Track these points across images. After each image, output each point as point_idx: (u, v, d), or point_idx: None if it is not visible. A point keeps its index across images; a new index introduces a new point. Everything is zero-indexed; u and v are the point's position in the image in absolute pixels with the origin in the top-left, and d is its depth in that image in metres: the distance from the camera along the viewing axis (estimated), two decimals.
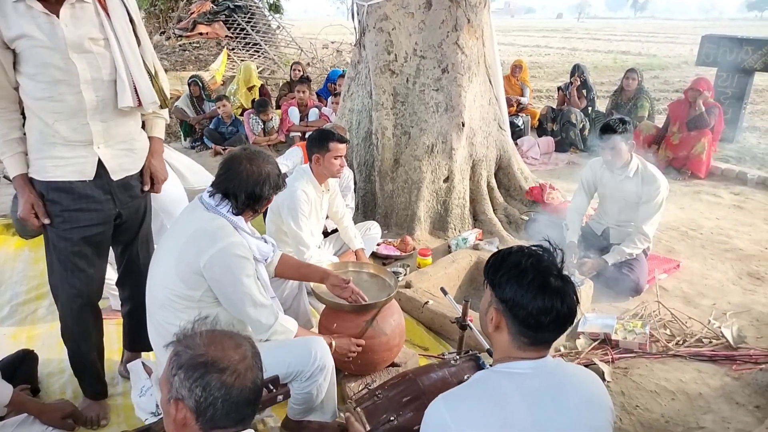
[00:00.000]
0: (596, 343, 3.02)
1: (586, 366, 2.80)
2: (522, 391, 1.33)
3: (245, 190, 2.03)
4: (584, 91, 7.46)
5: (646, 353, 2.93)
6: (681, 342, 3.02)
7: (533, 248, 1.46)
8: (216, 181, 2.08)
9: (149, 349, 2.56)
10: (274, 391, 1.79)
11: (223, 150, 7.23)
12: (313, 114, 7.28)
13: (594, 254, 3.68)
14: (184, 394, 1.22)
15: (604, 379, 2.71)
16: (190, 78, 8.02)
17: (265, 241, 2.27)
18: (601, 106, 7.79)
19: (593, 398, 1.42)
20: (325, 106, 7.69)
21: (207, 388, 1.20)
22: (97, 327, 2.34)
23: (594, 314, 3.27)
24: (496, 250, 4.04)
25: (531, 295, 1.36)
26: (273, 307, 2.12)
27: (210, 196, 2.07)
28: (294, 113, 7.28)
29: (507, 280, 1.39)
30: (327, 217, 3.60)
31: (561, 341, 3.07)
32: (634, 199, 3.63)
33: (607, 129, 3.56)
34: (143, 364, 2.33)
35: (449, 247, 4.19)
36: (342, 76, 7.66)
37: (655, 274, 3.67)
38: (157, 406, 2.16)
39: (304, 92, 7.30)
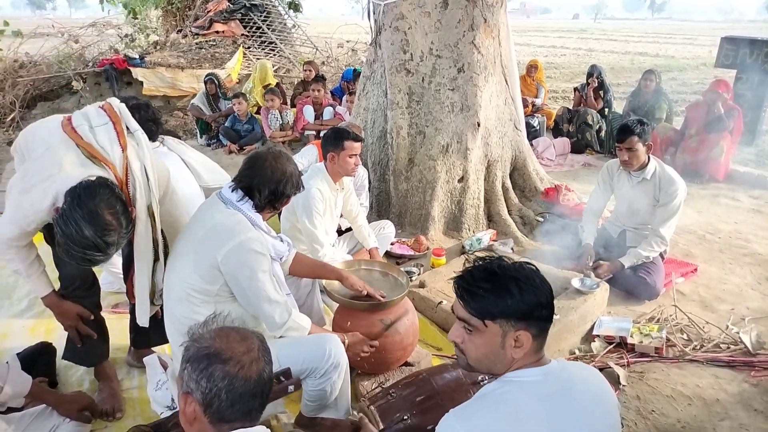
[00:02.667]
0: (611, 346, 2.99)
1: (600, 369, 2.79)
2: (537, 400, 1.32)
3: (268, 186, 2.08)
4: (601, 93, 7.40)
5: (662, 357, 2.90)
6: (698, 347, 2.98)
7: (477, 264, 1.44)
8: (239, 177, 2.12)
9: (151, 345, 2.60)
10: (284, 381, 1.79)
11: (238, 149, 7.29)
12: (327, 113, 7.30)
13: (610, 257, 3.65)
14: (192, 386, 1.24)
15: (619, 383, 2.69)
16: (206, 76, 8.07)
17: (281, 240, 2.29)
18: (618, 107, 7.72)
19: (601, 395, 1.41)
20: (340, 104, 7.71)
21: (211, 378, 1.22)
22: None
23: (609, 317, 3.24)
24: (510, 251, 4.04)
25: (530, 295, 1.36)
26: (287, 304, 2.13)
27: (232, 191, 2.10)
28: (309, 112, 7.30)
29: (512, 299, 1.35)
30: (341, 215, 3.60)
31: (576, 344, 3.05)
32: (652, 201, 3.58)
33: (625, 130, 3.52)
34: (159, 358, 2.35)
35: (463, 247, 4.18)
36: (358, 75, 7.67)
37: (672, 278, 3.62)
38: (172, 399, 2.17)
39: (319, 91, 7.32)
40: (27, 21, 17.48)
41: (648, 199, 3.59)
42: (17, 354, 2.41)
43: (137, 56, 9.45)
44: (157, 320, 2.39)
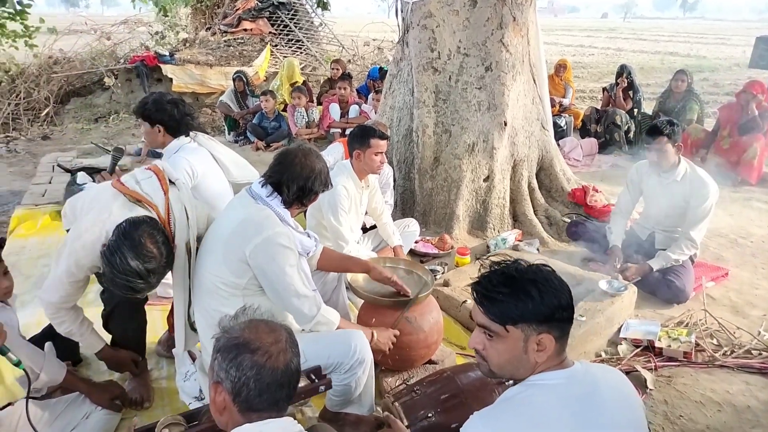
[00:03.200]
0: (638, 349, 2.95)
1: (627, 373, 2.75)
2: (561, 403, 1.31)
3: (297, 182, 2.11)
4: (630, 93, 7.28)
5: (691, 362, 2.85)
6: (728, 352, 2.92)
7: (493, 269, 1.43)
8: (269, 172, 2.15)
9: None
10: (316, 381, 1.81)
11: (265, 146, 7.36)
12: (353, 111, 7.32)
13: (638, 259, 3.60)
14: (222, 376, 1.28)
15: (646, 387, 2.66)
16: (234, 73, 8.16)
17: (308, 236, 2.31)
18: (648, 108, 7.59)
19: (626, 397, 1.40)
20: (366, 102, 7.73)
21: (240, 367, 1.25)
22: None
23: (637, 320, 3.19)
24: (536, 251, 4.01)
25: (550, 297, 1.35)
26: (316, 298, 2.15)
27: (261, 186, 2.13)
28: (335, 110, 7.34)
29: (533, 302, 1.34)
30: (366, 213, 3.61)
31: (602, 346, 3.02)
32: (682, 203, 3.52)
33: (654, 130, 3.47)
34: (188, 350, 2.39)
35: (488, 247, 4.16)
36: (384, 73, 7.68)
37: (702, 282, 3.55)
38: (200, 390, 2.21)
39: (345, 89, 7.35)
40: (61, 18, 17.86)
41: (678, 201, 3.53)
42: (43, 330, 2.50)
43: (167, 53, 9.61)
44: None
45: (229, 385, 1.27)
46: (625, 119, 7.09)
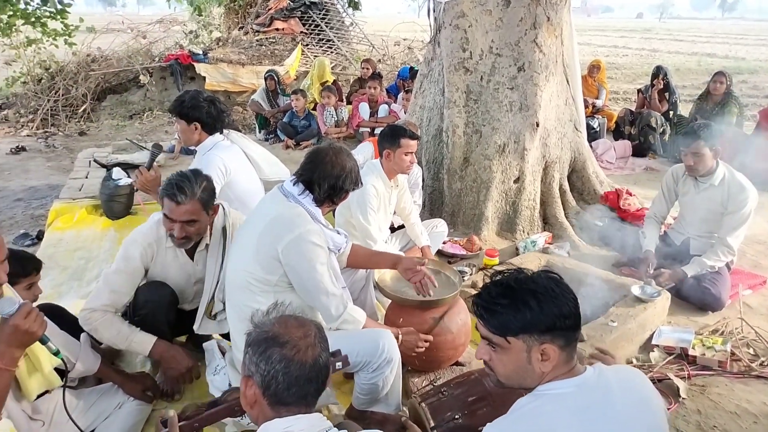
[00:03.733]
0: (671, 357, 2.88)
1: (659, 380, 2.70)
2: (571, 413, 1.29)
3: (328, 181, 2.12)
4: (666, 95, 7.12)
5: (726, 372, 2.77)
6: (766, 362, 2.83)
7: (493, 280, 1.43)
8: (300, 170, 2.17)
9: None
10: (332, 359, 1.81)
11: (295, 144, 7.42)
12: (382, 110, 7.33)
13: (672, 265, 3.52)
14: (252, 370, 1.30)
15: (678, 395, 2.59)
16: (266, 72, 8.26)
17: (338, 233, 2.33)
18: (684, 110, 7.41)
19: (642, 400, 1.37)
20: (395, 102, 7.73)
21: (269, 361, 1.27)
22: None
23: (670, 327, 3.12)
24: (567, 255, 3.95)
25: (550, 307, 1.33)
26: (343, 297, 2.16)
27: (293, 184, 2.16)
28: (364, 109, 7.36)
29: (532, 312, 1.33)
30: (394, 212, 3.61)
31: (634, 353, 2.96)
32: (719, 208, 3.43)
33: (691, 134, 3.39)
34: (218, 344, 2.43)
35: (517, 249, 4.12)
36: (414, 73, 7.67)
37: (739, 290, 3.45)
38: (229, 384, 2.25)
39: (375, 88, 7.36)
40: (99, 17, 18.32)
41: (715, 207, 3.44)
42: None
43: (201, 52, 9.78)
44: None
45: (259, 379, 1.29)
46: (660, 122, 6.94)
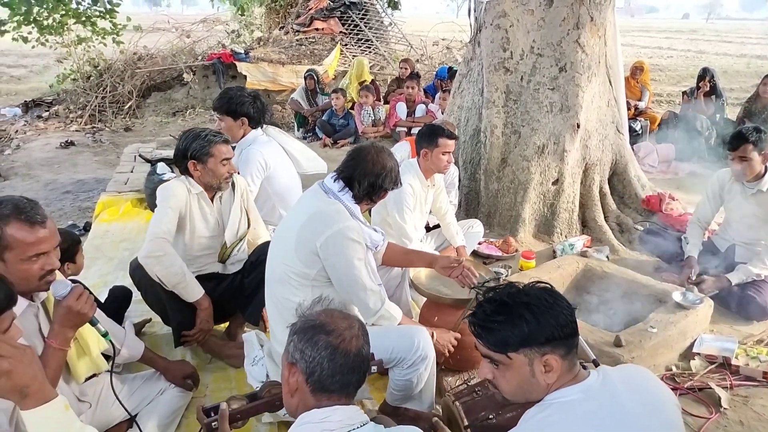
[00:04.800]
0: (713, 366, 2.81)
1: (700, 389, 2.63)
2: (579, 420, 1.28)
3: (368, 178, 2.15)
4: (713, 97, 6.91)
5: None
6: None
7: (487, 297, 1.43)
8: (342, 167, 2.21)
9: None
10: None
11: (332, 142, 7.49)
12: (420, 110, 7.34)
13: (715, 272, 3.42)
14: (297, 357, 1.34)
15: (720, 405, 2.53)
16: (306, 72, 8.37)
17: (375, 230, 2.35)
18: (731, 113, 7.18)
19: (655, 398, 1.36)
20: (432, 102, 7.72)
21: (315, 347, 1.31)
22: None
23: (712, 335, 3.04)
24: (606, 259, 3.88)
25: (546, 317, 1.33)
26: (381, 293, 2.18)
27: (334, 181, 2.19)
28: (401, 108, 7.38)
29: (528, 326, 1.33)
30: (430, 212, 3.62)
31: (674, 360, 2.89)
32: (767, 215, 3.32)
33: (739, 137, 3.29)
34: (257, 335, 2.48)
35: (554, 251, 4.07)
36: (453, 73, 7.65)
37: None
38: (267, 375, 2.29)
39: (413, 88, 7.37)
40: (145, 17, 18.86)
41: (763, 213, 3.34)
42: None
43: (243, 51, 9.96)
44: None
45: (304, 365, 1.33)
46: (705, 125, 6.74)
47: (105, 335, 1.79)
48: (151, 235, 2.48)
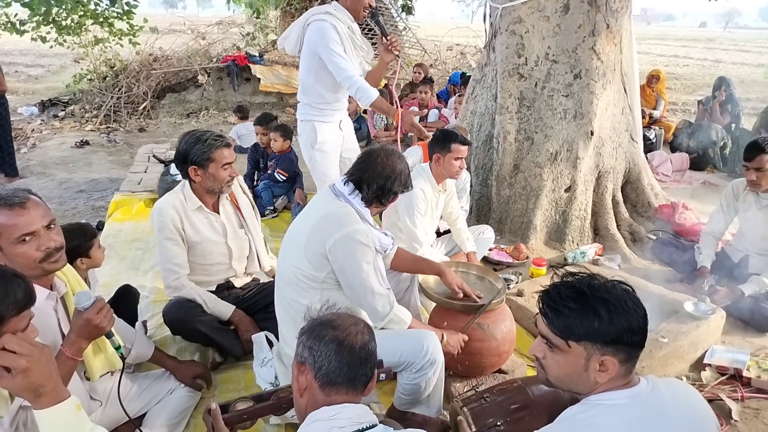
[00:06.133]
0: (724, 377, 2.78)
1: (710, 401, 2.60)
2: (625, 424, 1.26)
3: (377, 181, 2.15)
4: (728, 107, 6.85)
5: None
6: None
7: (565, 280, 1.39)
8: (351, 170, 2.21)
9: None
10: (376, 371, 1.84)
11: None
12: (432, 115, 7.33)
13: (728, 283, 3.39)
14: (305, 355, 1.37)
15: (730, 417, 2.50)
16: None
17: (386, 234, 2.35)
18: (747, 123, 7.11)
19: (698, 415, 1.33)
20: (445, 107, 7.71)
21: (321, 341, 1.35)
22: None
23: (723, 347, 3.01)
24: (617, 267, 3.86)
25: (620, 319, 1.30)
26: (389, 297, 2.18)
27: (344, 184, 2.20)
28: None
29: (600, 322, 1.29)
30: (441, 217, 3.62)
31: (684, 371, 2.86)
32: None
33: (754, 148, 3.27)
34: (266, 337, 2.49)
35: (565, 259, 4.05)
36: (466, 78, 7.65)
37: None
38: (275, 377, 2.30)
39: (426, 93, 7.37)
40: (161, 18, 19.03)
41: None
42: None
43: (257, 54, 10.01)
44: None
45: (312, 361, 1.36)
46: (721, 134, 6.68)
47: (117, 348, 1.80)
48: (164, 271, 2.66)
